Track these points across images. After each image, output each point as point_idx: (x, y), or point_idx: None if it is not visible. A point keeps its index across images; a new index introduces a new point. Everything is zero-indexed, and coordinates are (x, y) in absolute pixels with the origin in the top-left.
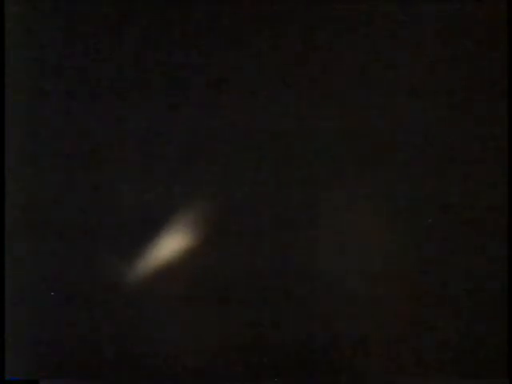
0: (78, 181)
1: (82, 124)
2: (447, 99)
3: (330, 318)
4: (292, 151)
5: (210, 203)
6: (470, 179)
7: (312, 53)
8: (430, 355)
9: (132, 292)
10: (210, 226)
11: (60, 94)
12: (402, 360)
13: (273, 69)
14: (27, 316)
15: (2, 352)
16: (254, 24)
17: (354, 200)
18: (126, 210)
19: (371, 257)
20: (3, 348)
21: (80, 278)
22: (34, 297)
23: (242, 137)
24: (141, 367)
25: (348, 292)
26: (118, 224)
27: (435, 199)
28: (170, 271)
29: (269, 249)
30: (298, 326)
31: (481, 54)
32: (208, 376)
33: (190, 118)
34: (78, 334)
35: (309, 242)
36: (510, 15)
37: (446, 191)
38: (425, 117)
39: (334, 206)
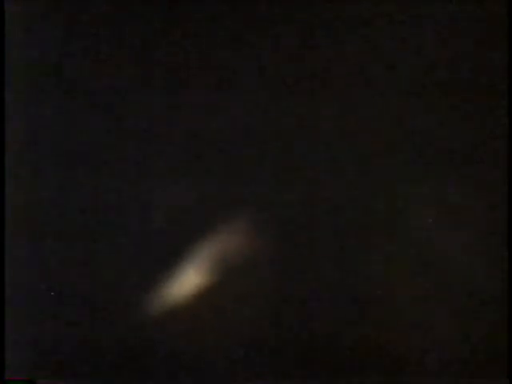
0: (77, 181)
1: (82, 124)
2: (447, 99)
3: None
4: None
5: (209, 203)
6: (470, 179)
7: (312, 53)
8: (430, 355)
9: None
10: (209, 225)
11: (60, 94)
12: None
13: (273, 69)
14: (27, 316)
15: (2, 352)
16: (254, 24)
17: None
18: (125, 209)
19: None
20: (3, 348)
21: (80, 278)
22: (34, 297)
23: (242, 137)
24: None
25: None
26: (118, 223)
27: (435, 199)
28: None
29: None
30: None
31: (481, 54)
32: None
33: (190, 118)
34: (78, 334)
35: None
36: (510, 15)
37: (445, 191)
38: (424, 117)
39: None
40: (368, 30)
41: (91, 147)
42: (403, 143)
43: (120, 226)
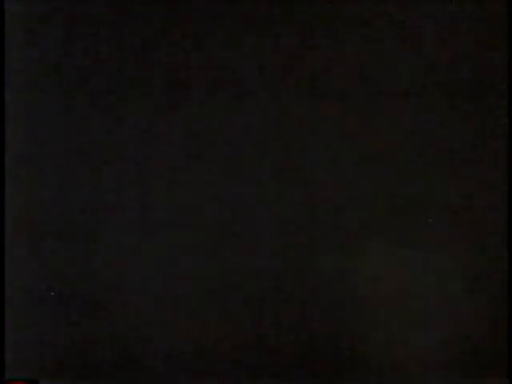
0: (77, 181)
1: (82, 124)
2: (447, 99)
3: None
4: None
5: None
6: (470, 179)
7: (312, 53)
8: (429, 355)
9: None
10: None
11: (60, 94)
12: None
13: (273, 69)
14: (27, 316)
15: (2, 352)
16: (254, 24)
17: None
18: (125, 209)
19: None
20: (3, 348)
21: (80, 278)
22: (34, 297)
23: (242, 137)
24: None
25: None
26: (118, 223)
27: (435, 199)
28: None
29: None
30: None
31: (481, 54)
32: None
33: (190, 118)
34: (77, 333)
35: None
36: (510, 15)
37: (446, 191)
38: (424, 117)
39: None
40: (368, 29)
41: (91, 147)
42: (403, 143)
43: (120, 225)
